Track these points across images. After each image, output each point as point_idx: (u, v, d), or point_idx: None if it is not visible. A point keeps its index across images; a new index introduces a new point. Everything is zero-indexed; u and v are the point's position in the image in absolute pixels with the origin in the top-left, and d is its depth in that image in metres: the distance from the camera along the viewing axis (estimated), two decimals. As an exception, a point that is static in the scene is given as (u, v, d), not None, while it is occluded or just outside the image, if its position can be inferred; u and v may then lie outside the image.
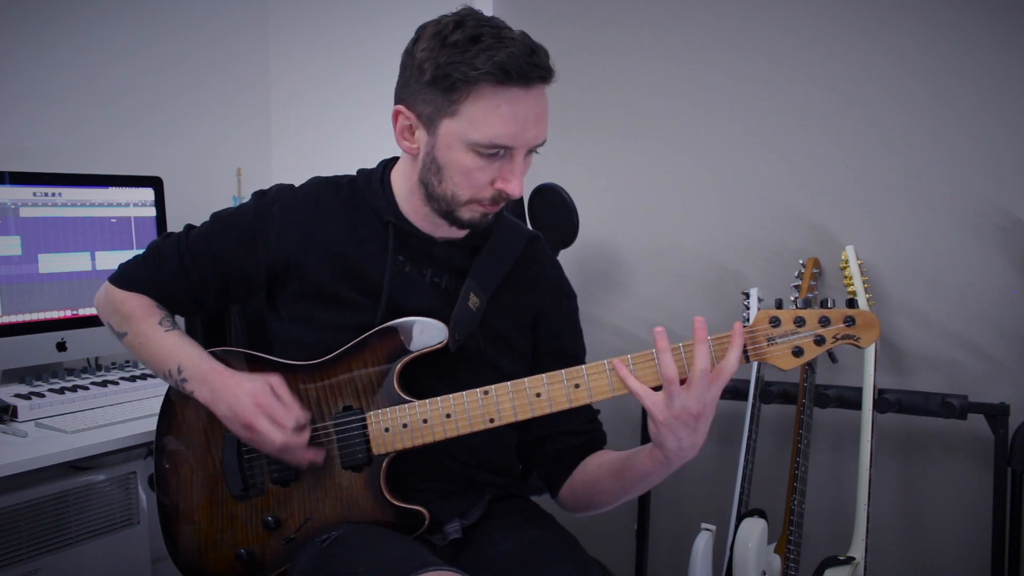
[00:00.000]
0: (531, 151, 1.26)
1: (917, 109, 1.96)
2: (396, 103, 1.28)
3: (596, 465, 1.37)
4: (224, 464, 1.36)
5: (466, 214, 1.28)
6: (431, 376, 1.33)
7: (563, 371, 1.23)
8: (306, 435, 1.29)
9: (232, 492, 1.35)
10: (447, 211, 1.29)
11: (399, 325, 1.31)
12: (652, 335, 1.18)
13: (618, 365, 1.20)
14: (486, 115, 1.19)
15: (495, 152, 1.21)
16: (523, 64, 1.17)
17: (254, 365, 1.37)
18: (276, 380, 1.30)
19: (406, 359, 1.30)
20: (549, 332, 1.43)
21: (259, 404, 1.27)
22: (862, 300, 1.88)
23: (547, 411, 1.24)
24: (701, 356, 1.15)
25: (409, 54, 1.25)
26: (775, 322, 1.19)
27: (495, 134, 1.20)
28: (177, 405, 1.41)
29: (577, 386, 1.23)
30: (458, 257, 1.36)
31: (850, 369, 2.02)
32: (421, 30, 1.24)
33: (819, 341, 1.19)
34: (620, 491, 1.33)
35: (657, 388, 1.18)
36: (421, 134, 1.26)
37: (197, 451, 1.38)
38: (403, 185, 1.34)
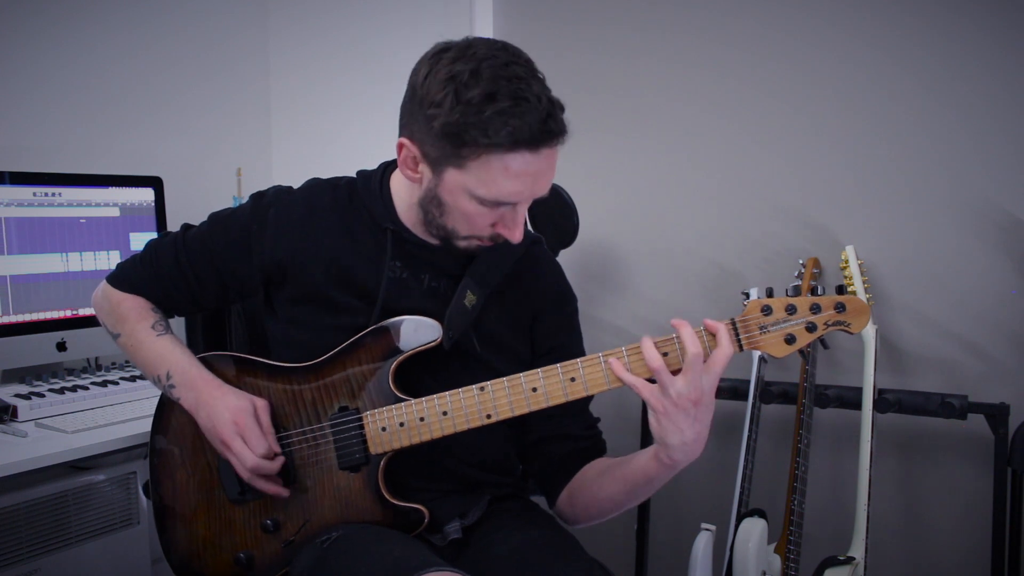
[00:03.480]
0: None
1: (917, 109, 1.96)
2: (401, 131, 1.24)
3: (597, 471, 1.35)
4: (220, 468, 1.36)
5: (462, 243, 1.29)
6: (427, 376, 1.33)
7: (558, 365, 1.23)
8: (276, 464, 1.29)
9: (229, 496, 1.35)
10: (444, 238, 1.29)
11: (393, 324, 1.31)
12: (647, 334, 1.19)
13: (613, 362, 1.20)
14: (493, 176, 1.17)
15: (498, 204, 1.21)
16: (537, 132, 1.14)
17: (247, 369, 1.37)
18: (261, 404, 1.31)
19: (401, 357, 1.30)
20: (547, 333, 1.42)
21: (237, 423, 1.28)
22: (861, 299, 1.87)
23: (543, 405, 1.24)
24: (690, 342, 1.15)
25: (419, 87, 1.18)
26: (767, 310, 1.20)
27: (500, 194, 1.19)
28: (171, 411, 1.41)
29: (573, 379, 1.23)
30: (456, 262, 1.36)
31: (850, 369, 2.02)
32: (434, 63, 1.17)
33: (811, 328, 1.20)
34: (624, 496, 1.31)
35: (652, 380, 1.18)
36: (425, 169, 1.23)
37: (193, 456, 1.38)
38: (403, 196, 1.33)
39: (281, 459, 1.30)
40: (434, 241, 1.33)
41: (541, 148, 1.16)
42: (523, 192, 1.20)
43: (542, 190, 1.23)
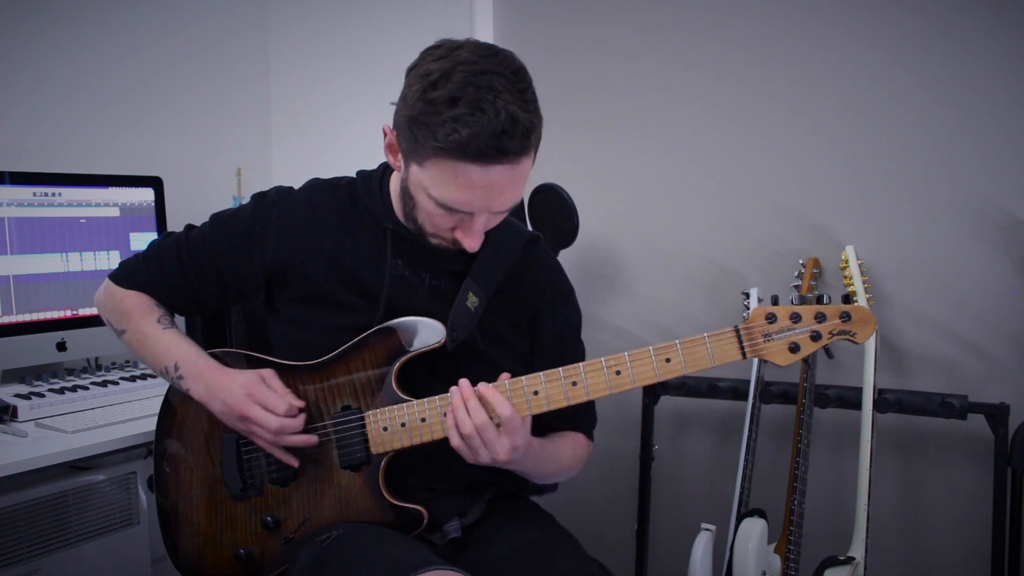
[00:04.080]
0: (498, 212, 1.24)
1: (917, 109, 1.96)
2: (394, 120, 1.26)
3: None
4: (223, 465, 1.36)
5: (432, 240, 1.29)
6: (430, 376, 1.33)
7: (560, 369, 1.23)
8: (300, 420, 1.29)
9: (231, 493, 1.36)
10: (418, 232, 1.30)
11: (397, 325, 1.31)
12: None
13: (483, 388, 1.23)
14: (443, 180, 1.17)
15: (452, 209, 1.20)
16: (485, 146, 1.11)
17: (253, 365, 1.37)
18: (268, 372, 1.32)
19: (404, 358, 1.30)
20: (547, 332, 1.43)
21: (250, 394, 1.28)
22: (862, 300, 1.88)
23: (545, 409, 1.24)
24: (501, 406, 1.21)
25: (406, 79, 1.21)
26: (771, 318, 1.20)
27: (450, 199, 1.18)
28: (177, 406, 1.41)
29: (574, 384, 1.23)
30: (457, 260, 1.36)
31: (850, 369, 2.02)
32: (422, 58, 1.19)
33: (815, 337, 1.20)
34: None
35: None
36: (401, 159, 1.25)
37: (196, 452, 1.39)
38: (398, 193, 1.34)
39: (303, 416, 1.30)
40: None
41: (490, 164, 1.13)
42: (474, 203, 1.18)
43: (500, 205, 1.21)
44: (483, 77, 1.12)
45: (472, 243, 1.24)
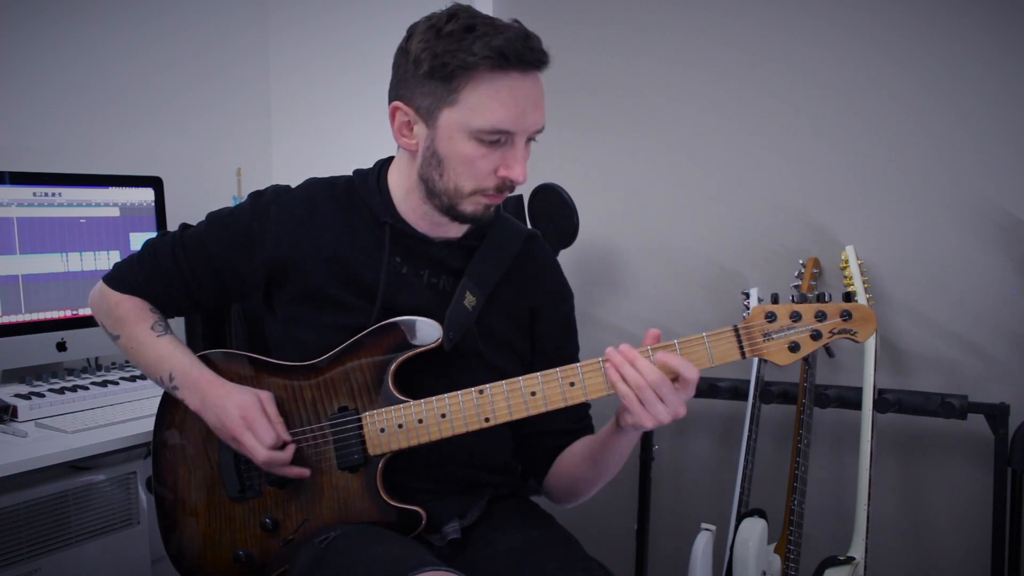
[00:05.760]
0: (530, 138, 1.26)
1: (917, 109, 1.96)
2: (392, 100, 1.28)
3: (570, 454, 1.39)
4: (221, 466, 1.36)
5: (468, 207, 1.28)
6: (427, 376, 1.33)
7: (558, 369, 1.23)
8: (288, 453, 1.30)
9: (229, 494, 1.35)
10: (449, 206, 1.28)
11: (394, 325, 1.31)
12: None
13: (610, 371, 1.20)
14: (486, 101, 1.19)
15: (496, 139, 1.22)
16: (520, 48, 1.18)
17: (249, 366, 1.37)
18: (266, 396, 1.32)
19: (401, 359, 1.30)
20: (545, 331, 1.43)
21: (245, 418, 1.28)
22: (862, 300, 1.87)
23: (542, 410, 1.24)
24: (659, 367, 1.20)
25: (403, 51, 1.25)
26: (771, 317, 1.19)
27: (496, 119, 1.20)
28: (174, 408, 1.41)
29: (572, 384, 1.23)
30: (455, 257, 1.36)
31: (850, 369, 2.02)
32: (413, 28, 1.25)
33: (816, 336, 1.19)
34: (597, 474, 1.36)
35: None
36: (420, 128, 1.26)
37: (195, 452, 1.39)
38: (400, 184, 1.34)
39: (292, 448, 1.30)
40: (433, 233, 1.34)
41: (527, 69, 1.20)
42: (517, 119, 1.21)
43: (537, 122, 1.24)
44: (482, 13, 1.23)
45: (520, 172, 1.24)
